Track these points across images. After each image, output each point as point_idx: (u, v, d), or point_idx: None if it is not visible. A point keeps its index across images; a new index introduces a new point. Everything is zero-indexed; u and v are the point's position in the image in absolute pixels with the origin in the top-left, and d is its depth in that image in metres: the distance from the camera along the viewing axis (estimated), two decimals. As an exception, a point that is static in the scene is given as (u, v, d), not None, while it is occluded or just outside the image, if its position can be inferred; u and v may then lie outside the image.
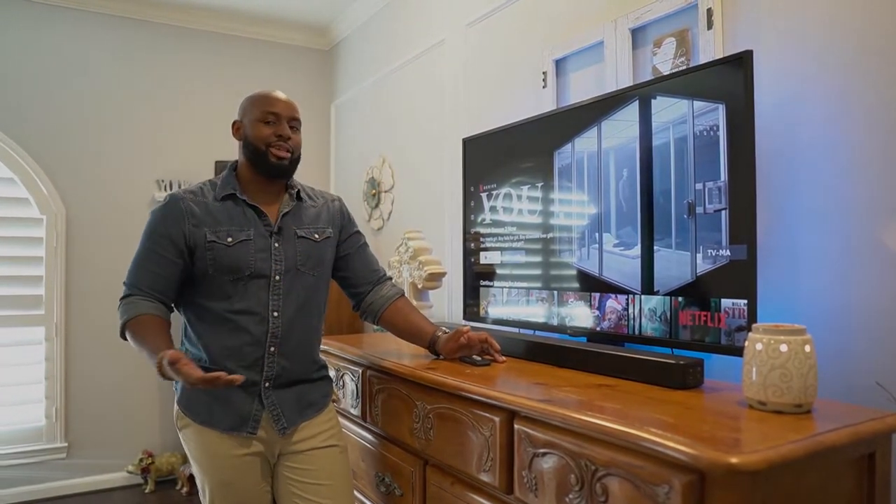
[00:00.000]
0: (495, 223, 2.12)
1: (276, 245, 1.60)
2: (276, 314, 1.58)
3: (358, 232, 1.84)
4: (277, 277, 1.59)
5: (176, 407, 1.64)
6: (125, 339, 1.53)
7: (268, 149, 1.59)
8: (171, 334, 1.54)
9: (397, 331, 1.83)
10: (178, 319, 1.65)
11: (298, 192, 1.71)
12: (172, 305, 1.62)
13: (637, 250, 1.59)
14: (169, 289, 1.58)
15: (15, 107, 3.43)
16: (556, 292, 1.86)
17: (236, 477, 1.58)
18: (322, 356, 1.79)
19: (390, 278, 1.90)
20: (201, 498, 1.64)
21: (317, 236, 1.69)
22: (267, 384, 1.58)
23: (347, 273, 1.81)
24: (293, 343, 1.61)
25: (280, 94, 1.65)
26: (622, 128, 1.64)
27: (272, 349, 1.57)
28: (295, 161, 1.65)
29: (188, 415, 1.59)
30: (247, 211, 1.61)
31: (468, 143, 2.26)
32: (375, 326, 1.87)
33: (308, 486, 1.60)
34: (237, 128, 1.65)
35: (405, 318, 1.81)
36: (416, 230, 2.72)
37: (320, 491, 1.61)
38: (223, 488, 1.58)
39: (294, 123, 1.65)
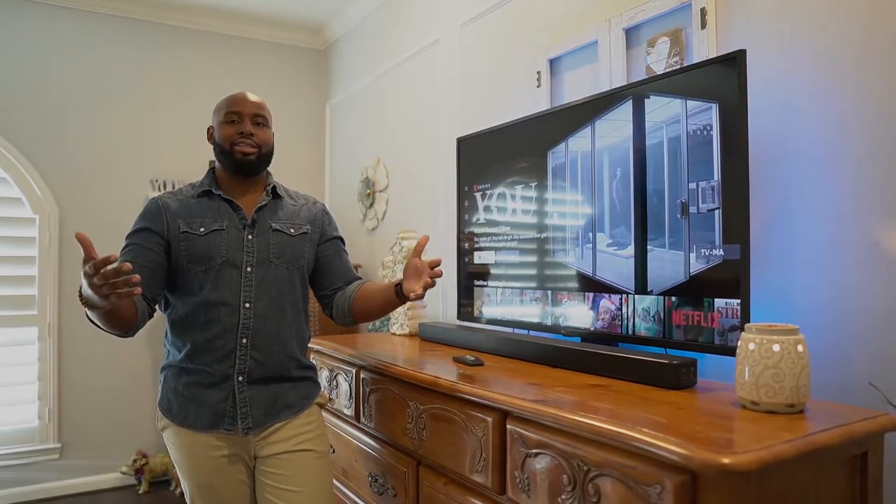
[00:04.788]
0: (489, 223, 2.11)
1: (250, 237, 1.63)
2: (247, 305, 1.59)
3: (339, 238, 1.83)
4: (249, 269, 1.61)
5: (157, 408, 1.65)
6: (88, 317, 1.46)
7: (232, 147, 1.63)
8: (143, 324, 1.55)
9: (370, 306, 1.71)
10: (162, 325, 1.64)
11: (275, 188, 1.73)
12: (147, 299, 1.56)
13: (630, 250, 1.59)
14: (144, 277, 1.54)
15: (8, 106, 3.41)
16: (549, 292, 1.85)
17: (215, 479, 1.58)
18: (314, 358, 1.78)
19: (360, 279, 1.85)
20: (186, 499, 1.64)
21: (292, 231, 1.70)
22: (240, 378, 1.57)
23: (320, 276, 1.79)
24: (266, 336, 1.60)
25: (245, 94, 1.68)
26: (616, 127, 1.64)
27: (244, 340, 1.58)
28: (264, 156, 1.68)
29: (167, 416, 1.61)
30: (221, 205, 1.66)
31: (462, 143, 2.26)
32: (360, 324, 1.84)
33: (281, 491, 1.58)
34: (210, 133, 1.71)
35: (370, 291, 1.72)
36: (410, 230, 2.72)
37: (292, 498, 1.58)
38: (202, 490, 1.59)
39: (259, 120, 1.67)
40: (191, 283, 1.59)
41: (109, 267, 1.22)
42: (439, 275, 1.58)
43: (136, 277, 1.24)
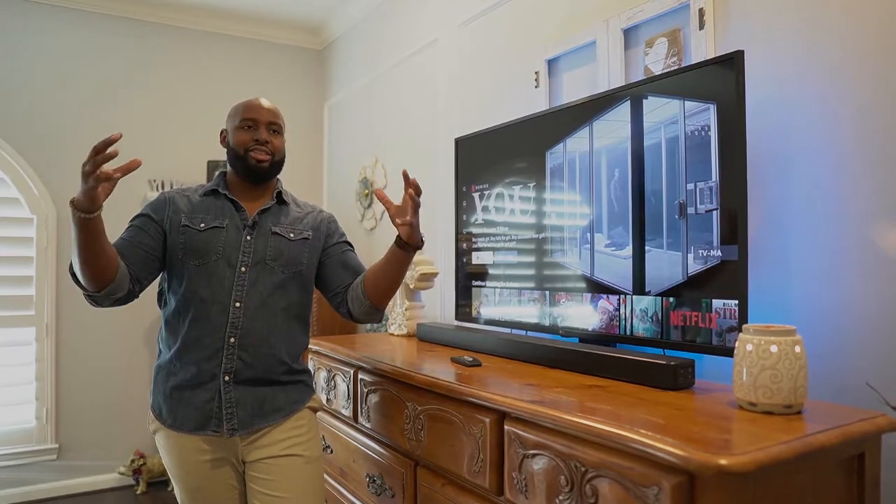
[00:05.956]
0: (487, 223, 2.11)
1: (248, 238, 1.64)
2: (237, 304, 1.58)
3: (345, 241, 1.81)
4: (243, 269, 1.61)
5: (149, 411, 1.66)
6: (73, 274, 1.47)
7: (247, 153, 1.65)
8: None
9: (381, 277, 1.65)
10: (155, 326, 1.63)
11: (280, 193, 1.74)
12: (133, 277, 1.55)
13: (628, 250, 1.58)
14: (135, 255, 1.56)
15: (5, 106, 3.41)
16: (547, 293, 1.85)
17: (204, 483, 1.58)
18: (312, 359, 1.77)
19: None
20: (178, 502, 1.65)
21: (292, 235, 1.70)
22: (227, 378, 1.56)
23: (329, 276, 1.75)
24: (254, 337, 1.59)
25: (261, 101, 1.69)
26: (614, 128, 1.64)
27: (231, 340, 1.57)
28: (276, 164, 1.70)
29: (158, 419, 1.61)
30: (226, 204, 1.67)
31: (460, 143, 2.26)
32: (375, 320, 1.76)
33: (268, 497, 1.57)
34: (223, 137, 1.73)
35: (376, 266, 1.66)
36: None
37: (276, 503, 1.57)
38: (192, 494, 1.59)
39: (274, 128, 1.69)
40: (184, 278, 1.59)
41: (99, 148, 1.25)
42: (415, 187, 1.53)
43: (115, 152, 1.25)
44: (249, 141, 1.64)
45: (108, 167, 1.28)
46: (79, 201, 1.31)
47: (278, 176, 1.77)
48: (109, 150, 1.25)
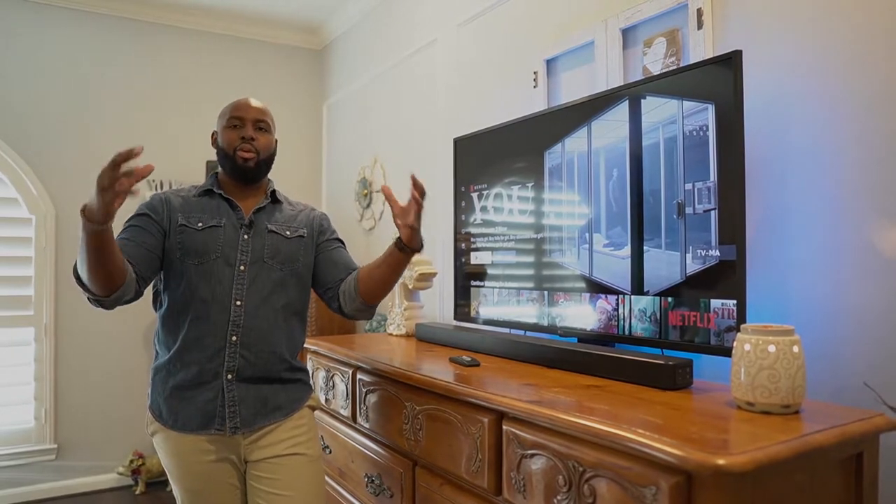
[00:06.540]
0: (486, 223, 2.11)
1: (245, 237, 1.65)
2: (238, 303, 1.59)
3: (336, 238, 1.82)
4: (242, 267, 1.61)
5: (147, 413, 1.65)
6: (77, 275, 1.44)
7: (234, 152, 1.66)
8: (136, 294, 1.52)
9: (377, 278, 1.66)
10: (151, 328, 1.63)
11: (274, 192, 1.75)
12: (138, 277, 1.53)
13: (627, 250, 1.58)
14: (138, 254, 1.54)
15: (4, 106, 3.40)
16: (546, 293, 1.85)
17: (206, 484, 1.58)
18: (310, 358, 1.77)
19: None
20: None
21: (288, 233, 1.71)
22: (229, 376, 1.57)
23: (322, 272, 1.75)
24: (255, 335, 1.59)
25: (248, 100, 1.70)
26: (612, 128, 1.64)
27: (233, 338, 1.57)
28: (263, 162, 1.70)
29: (158, 420, 1.61)
30: (221, 204, 1.68)
31: (459, 143, 2.26)
32: (367, 321, 1.80)
33: (272, 496, 1.57)
34: (214, 138, 1.73)
35: (373, 265, 1.67)
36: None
37: (283, 502, 1.57)
38: (193, 495, 1.59)
39: (261, 125, 1.69)
40: (183, 278, 1.59)
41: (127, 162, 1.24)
42: (421, 190, 1.54)
43: (139, 151, 1.24)
44: (236, 139, 1.65)
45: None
46: (90, 212, 1.27)
47: (270, 177, 1.78)
48: (128, 165, 1.23)
